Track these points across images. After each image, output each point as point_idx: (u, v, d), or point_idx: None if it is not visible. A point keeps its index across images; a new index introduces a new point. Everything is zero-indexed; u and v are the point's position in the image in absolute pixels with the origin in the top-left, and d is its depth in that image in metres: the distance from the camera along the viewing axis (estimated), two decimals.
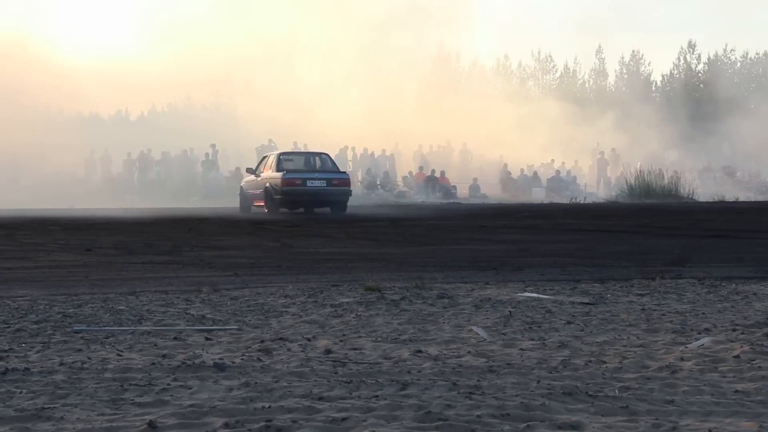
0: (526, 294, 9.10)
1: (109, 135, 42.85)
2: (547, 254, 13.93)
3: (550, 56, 66.14)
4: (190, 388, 5.16)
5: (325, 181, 25.99)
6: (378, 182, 40.62)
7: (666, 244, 15.45)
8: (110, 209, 29.29)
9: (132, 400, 4.92)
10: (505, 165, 43.36)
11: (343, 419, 4.53)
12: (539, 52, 66.39)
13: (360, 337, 6.82)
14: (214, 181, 38.74)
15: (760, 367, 5.70)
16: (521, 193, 41.18)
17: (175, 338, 6.73)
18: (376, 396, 5.00)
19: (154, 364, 5.80)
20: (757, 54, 63.36)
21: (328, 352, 6.18)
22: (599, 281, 10.24)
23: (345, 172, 27.57)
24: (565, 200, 37.42)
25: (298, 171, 26.91)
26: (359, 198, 37.80)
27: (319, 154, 28.60)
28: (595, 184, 43.34)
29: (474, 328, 7.17)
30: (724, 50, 63.55)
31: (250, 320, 7.58)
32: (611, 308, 8.20)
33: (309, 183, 25.95)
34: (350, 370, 5.65)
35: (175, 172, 38.51)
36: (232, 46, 49.28)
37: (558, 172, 44.12)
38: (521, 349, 6.34)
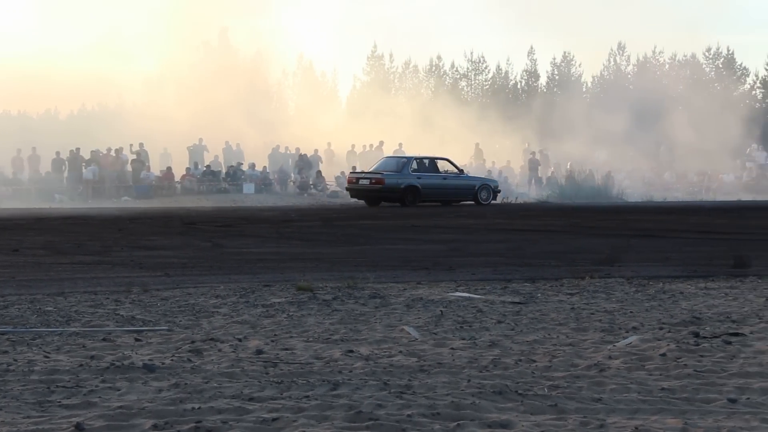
0: (458, 293, 9.14)
1: (38, 134, 42.25)
2: (479, 254, 14.01)
3: (483, 57, 66.51)
4: (119, 390, 5.11)
5: (368, 180, 30.46)
6: (311, 182, 40.54)
7: (596, 244, 15.60)
8: (39, 209, 28.90)
9: (59, 402, 4.86)
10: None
11: (274, 419, 4.52)
12: (472, 53, 66.74)
13: (291, 337, 6.81)
14: (145, 181, 38.37)
15: (685, 365, 5.79)
16: None
17: (104, 339, 6.66)
18: (307, 396, 4.99)
19: (82, 365, 5.74)
20: (685, 56, 64.36)
21: (259, 352, 6.16)
22: (530, 281, 10.32)
23: (381, 173, 30.40)
24: (496, 200, 37.60)
25: (366, 171, 32.02)
26: (292, 198, 37.68)
27: (416, 156, 31.91)
28: (526, 184, 43.65)
29: (405, 327, 7.19)
30: (653, 52, 64.44)
31: (180, 321, 7.53)
32: (541, 307, 8.28)
33: (360, 181, 30.84)
34: (281, 370, 5.64)
35: (105, 172, 38.05)
36: (164, 46, 48.91)
37: (489, 172, 44.40)
38: (452, 348, 6.37)
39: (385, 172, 30.49)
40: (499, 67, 67.09)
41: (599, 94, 60.23)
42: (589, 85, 65.84)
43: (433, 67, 66.27)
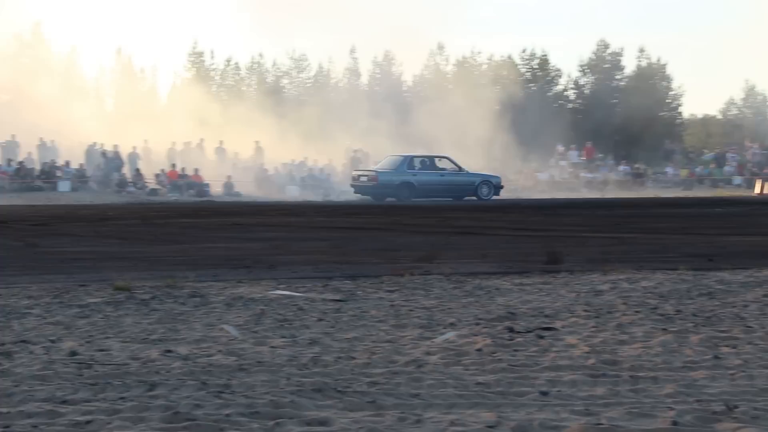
0: (279, 292, 9.12)
1: None
2: (301, 252, 14.01)
3: (305, 55, 66.42)
4: None
5: (366, 177, 32.80)
6: (129, 180, 39.76)
7: (416, 241, 15.82)
8: None
9: None
10: (261, 163, 43.35)
11: (87, 422, 4.41)
12: (294, 51, 66.58)
13: (108, 337, 6.67)
14: None
15: (500, 359, 5.93)
16: (276, 191, 41.20)
17: None
18: (123, 397, 4.90)
19: None
20: (502, 56, 65.81)
21: (73, 354, 6.01)
22: (350, 278, 10.38)
23: (376, 171, 32.93)
24: (319, 198, 37.71)
25: (366, 168, 35.11)
26: (110, 196, 36.89)
27: (415, 155, 34.35)
28: (348, 182, 43.84)
29: (225, 326, 7.14)
30: (471, 52, 65.67)
31: None
32: (362, 305, 8.34)
33: (361, 178, 33.17)
34: (96, 371, 5.51)
35: None
36: None
37: (312, 170, 44.45)
38: (272, 346, 6.36)
39: (380, 170, 32.91)
40: (321, 65, 67.23)
41: (420, 93, 61.03)
42: (410, 84, 66.64)
43: (255, 65, 65.90)
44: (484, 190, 33.24)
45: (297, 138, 46.15)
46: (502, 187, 34.14)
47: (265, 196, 37.97)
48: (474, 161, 40.54)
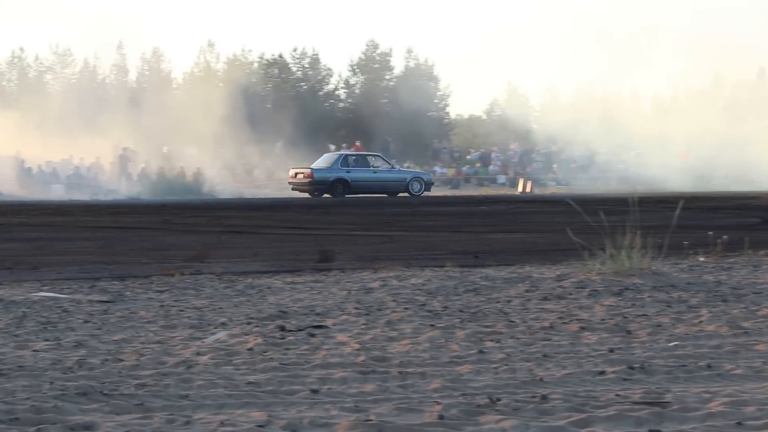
0: (42, 293, 8.83)
1: None
2: (66, 253, 13.61)
3: (70, 50, 64.47)
4: None
5: (302, 174, 33.73)
6: None
7: (186, 241, 15.63)
8: None
9: None
10: (23, 161, 41.85)
11: None
12: (58, 45, 64.52)
13: None
14: None
15: (271, 358, 5.92)
16: (39, 189, 39.85)
17: None
18: None
19: None
20: (273, 56, 65.90)
21: None
22: (119, 279, 10.16)
23: (311, 168, 33.96)
24: (86, 197, 36.72)
25: (302, 166, 35.06)
26: None
27: (349, 153, 36.85)
28: (116, 181, 42.85)
29: None
30: (242, 50, 65.48)
31: None
32: (130, 306, 8.17)
33: (297, 176, 34.01)
34: None
35: None
36: None
37: (78, 168, 43.24)
38: (35, 350, 6.14)
39: (315, 167, 34.11)
40: (87, 61, 65.42)
41: (191, 91, 60.35)
42: (180, 81, 65.82)
43: (15, 59, 63.52)
44: (416, 186, 34.41)
45: (41, 134, 44.77)
46: (432, 183, 35.90)
47: (28, 195, 36.63)
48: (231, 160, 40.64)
